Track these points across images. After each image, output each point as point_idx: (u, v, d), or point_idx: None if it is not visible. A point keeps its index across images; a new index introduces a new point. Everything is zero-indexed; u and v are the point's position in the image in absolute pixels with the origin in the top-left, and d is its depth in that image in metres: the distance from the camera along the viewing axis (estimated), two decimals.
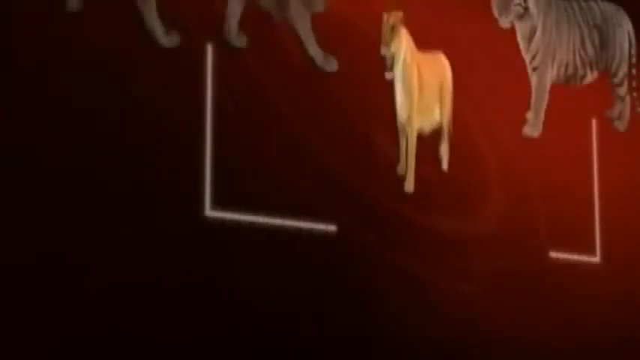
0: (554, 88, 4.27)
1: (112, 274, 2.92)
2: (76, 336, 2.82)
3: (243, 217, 3.23)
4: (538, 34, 4.09)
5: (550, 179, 4.02)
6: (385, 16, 3.73)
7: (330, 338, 3.34)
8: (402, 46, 3.86)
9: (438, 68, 4.10)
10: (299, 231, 3.37)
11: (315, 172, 3.02)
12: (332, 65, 3.30)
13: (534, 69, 4.12)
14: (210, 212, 3.19)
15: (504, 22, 3.96)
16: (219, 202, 3.21)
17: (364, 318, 3.42)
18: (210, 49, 3.16)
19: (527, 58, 4.11)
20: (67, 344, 2.80)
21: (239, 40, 3.10)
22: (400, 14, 3.79)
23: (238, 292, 3.21)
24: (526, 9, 4.00)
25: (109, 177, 2.98)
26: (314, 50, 3.23)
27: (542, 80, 4.12)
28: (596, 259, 4.42)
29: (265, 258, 3.28)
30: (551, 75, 4.18)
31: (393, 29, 3.75)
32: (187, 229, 3.13)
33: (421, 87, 3.96)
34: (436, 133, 3.97)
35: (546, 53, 4.14)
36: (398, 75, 3.88)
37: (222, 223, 3.20)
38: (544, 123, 4.25)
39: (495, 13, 3.96)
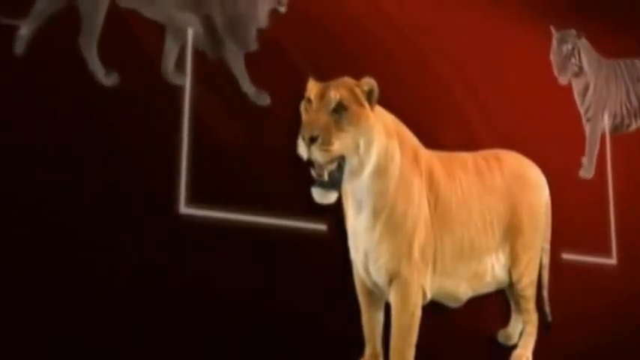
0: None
1: (83, 273, 2.90)
2: (47, 335, 2.80)
3: (219, 215, 3.17)
4: (590, 89, 4.73)
5: (564, 181, 4.02)
6: (332, 90, 2.72)
7: (308, 339, 3.22)
8: (377, 141, 2.78)
9: (503, 185, 3.28)
10: (278, 229, 3.30)
11: (295, 169, 2.83)
12: (264, 100, 3.42)
13: (588, 120, 4.72)
14: (184, 209, 3.14)
15: (563, 80, 4.62)
16: (194, 199, 3.17)
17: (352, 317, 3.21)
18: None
19: (582, 110, 4.72)
20: (38, 344, 2.77)
21: (176, 78, 3.29)
22: (373, 83, 2.79)
23: (213, 292, 3.12)
24: (580, 68, 4.67)
25: (82, 174, 2.99)
26: (247, 86, 3.40)
27: (594, 129, 4.70)
28: (612, 260, 4.45)
29: (242, 257, 3.20)
30: (602, 125, 4.76)
31: (354, 110, 2.71)
32: (161, 226, 3.09)
33: (445, 223, 3.05)
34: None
35: (598, 106, 4.75)
36: (358, 195, 2.89)
37: (197, 221, 3.15)
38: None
39: (555, 71, 4.63)
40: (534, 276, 3.48)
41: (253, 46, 3.40)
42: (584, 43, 4.67)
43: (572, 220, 4.03)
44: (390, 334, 3.00)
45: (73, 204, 2.93)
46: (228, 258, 3.15)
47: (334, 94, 2.74)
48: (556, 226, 3.63)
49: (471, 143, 3.68)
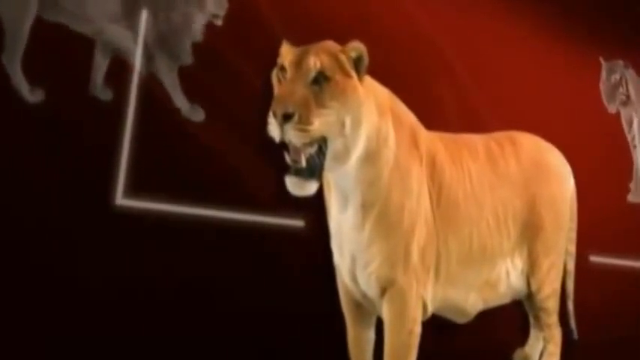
0: None
1: (18, 266, 2.86)
2: None
3: (156, 207, 3.06)
4: (636, 118, 5.02)
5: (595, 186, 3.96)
6: (311, 56, 2.43)
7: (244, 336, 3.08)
8: (366, 120, 2.49)
9: (519, 174, 3.02)
10: (241, 225, 3.14)
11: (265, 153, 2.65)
12: (198, 116, 3.41)
13: (634, 147, 4.98)
14: (121, 201, 3.06)
15: (611, 108, 4.90)
16: (131, 190, 3.09)
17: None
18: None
19: (629, 137, 4.99)
20: None
21: (104, 94, 3.31)
22: (361, 48, 2.49)
23: (151, 288, 3.02)
24: (628, 97, 4.97)
25: (15, 164, 2.94)
26: (180, 101, 3.41)
27: None
28: None
29: (182, 251, 3.07)
30: None
31: (338, 81, 2.41)
32: (96, 218, 3.00)
33: (450, 220, 2.79)
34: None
35: None
36: (343, 185, 2.63)
37: (133, 212, 3.06)
38: None
39: (604, 100, 4.90)
40: (557, 284, 3.21)
41: (187, 59, 3.45)
42: (631, 73, 5.01)
43: (600, 217, 3.91)
44: (382, 355, 2.71)
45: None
46: (165, 251, 3.04)
47: (314, 62, 2.41)
48: (582, 225, 3.38)
49: None
